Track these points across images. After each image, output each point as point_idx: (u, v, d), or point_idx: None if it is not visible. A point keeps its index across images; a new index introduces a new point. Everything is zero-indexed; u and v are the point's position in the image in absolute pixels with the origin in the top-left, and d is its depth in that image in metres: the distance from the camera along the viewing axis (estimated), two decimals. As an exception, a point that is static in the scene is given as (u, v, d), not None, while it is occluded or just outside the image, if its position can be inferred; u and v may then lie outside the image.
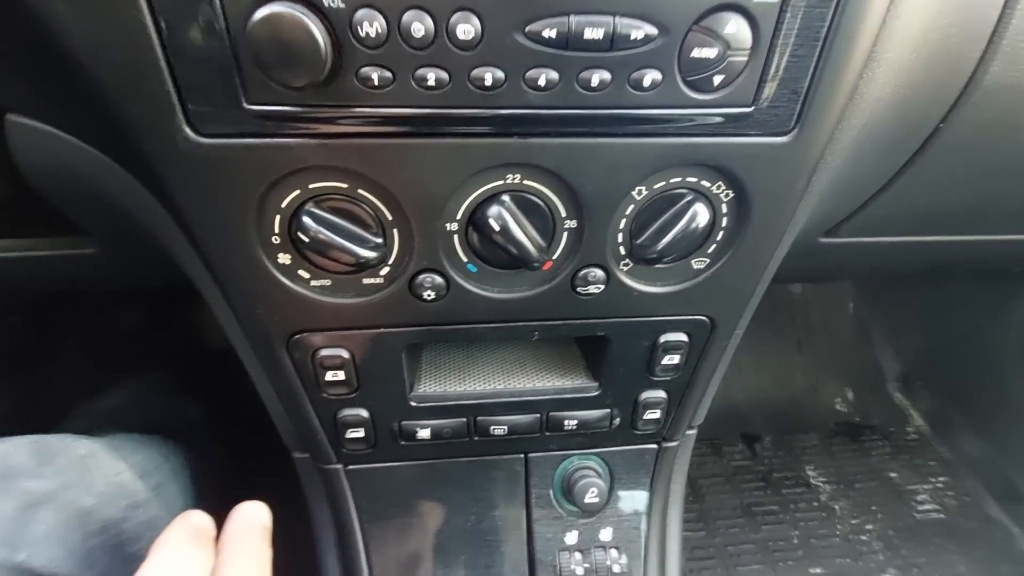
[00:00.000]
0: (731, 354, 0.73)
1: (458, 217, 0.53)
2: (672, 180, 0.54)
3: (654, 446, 0.78)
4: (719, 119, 0.49)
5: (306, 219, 0.51)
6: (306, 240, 0.51)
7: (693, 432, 0.81)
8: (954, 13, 0.52)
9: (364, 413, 0.67)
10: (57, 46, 0.42)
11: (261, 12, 0.39)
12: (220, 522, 0.52)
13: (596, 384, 0.70)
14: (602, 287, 0.59)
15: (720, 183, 0.55)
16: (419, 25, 0.41)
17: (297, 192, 0.50)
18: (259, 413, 0.71)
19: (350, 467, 0.74)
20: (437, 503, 0.75)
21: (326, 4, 0.40)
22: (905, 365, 1.98)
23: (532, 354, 0.74)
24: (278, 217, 0.52)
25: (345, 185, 0.50)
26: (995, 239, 0.94)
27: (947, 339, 1.84)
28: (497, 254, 0.55)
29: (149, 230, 0.57)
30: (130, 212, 0.56)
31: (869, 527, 1.54)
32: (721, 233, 0.58)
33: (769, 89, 0.48)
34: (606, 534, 0.77)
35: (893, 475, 1.69)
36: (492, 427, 0.70)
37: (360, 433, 0.68)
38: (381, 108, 0.45)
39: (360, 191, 0.51)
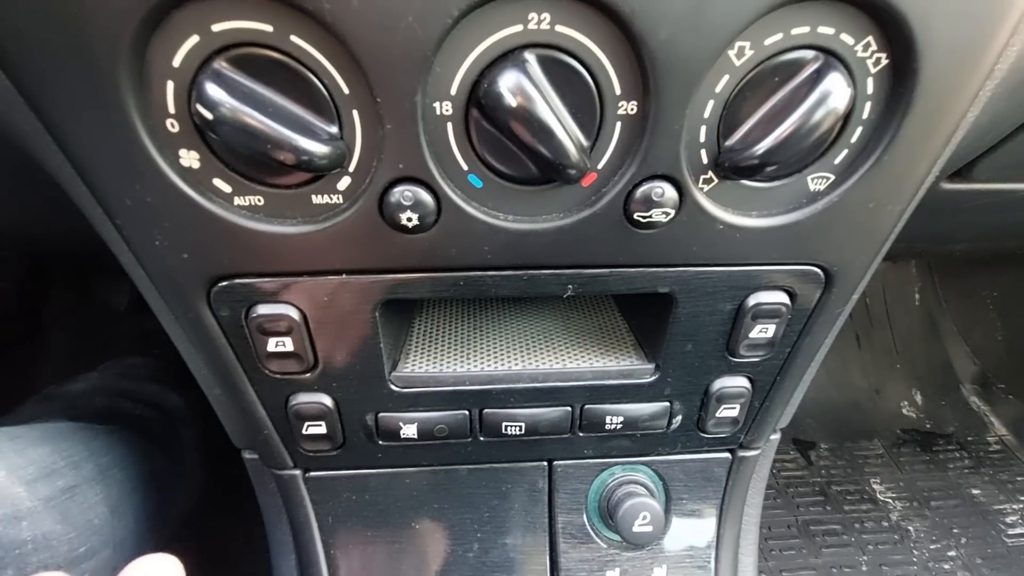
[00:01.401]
0: (840, 326, 0.52)
1: (453, 91, 0.34)
2: (794, 32, 0.34)
3: (727, 455, 0.57)
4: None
5: (211, 88, 0.32)
6: (214, 121, 0.32)
7: (777, 437, 0.59)
8: None
9: (326, 400, 0.48)
10: None
11: None
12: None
13: (652, 366, 0.50)
14: (671, 214, 0.39)
15: (870, 39, 0.34)
16: None
17: (195, 39, 0.32)
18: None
19: (311, 474, 0.54)
20: (428, 527, 0.55)
21: None
22: (982, 365, 1.75)
23: (562, 322, 0.54)
24: (171, 85, 0.33)
25: (269, 27, 0.31)
26: None
27: (1035, 336, 1.60)
28: (514, 156, 0.36)
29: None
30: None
31: (951, 553, 1.32)
32: (859, 130, 0.38)
33: None
34: (660, 575, 0.56)
35: (976, 492, 1.46)
36: (504, 423, 0.50)
37: (321, 428, 0.49)
38: None
39: (294, 39, 0.32)
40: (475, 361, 0.50)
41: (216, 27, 0.31)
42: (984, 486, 1.47)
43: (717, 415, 0.52)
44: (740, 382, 0.50)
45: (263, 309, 0.42)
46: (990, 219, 0.81)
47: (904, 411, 1.68)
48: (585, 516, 0.57)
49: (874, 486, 1.46)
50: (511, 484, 0.55)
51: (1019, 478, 1.50)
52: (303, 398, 0.48)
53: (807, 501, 1.41)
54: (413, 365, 0.50)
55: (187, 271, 0.40)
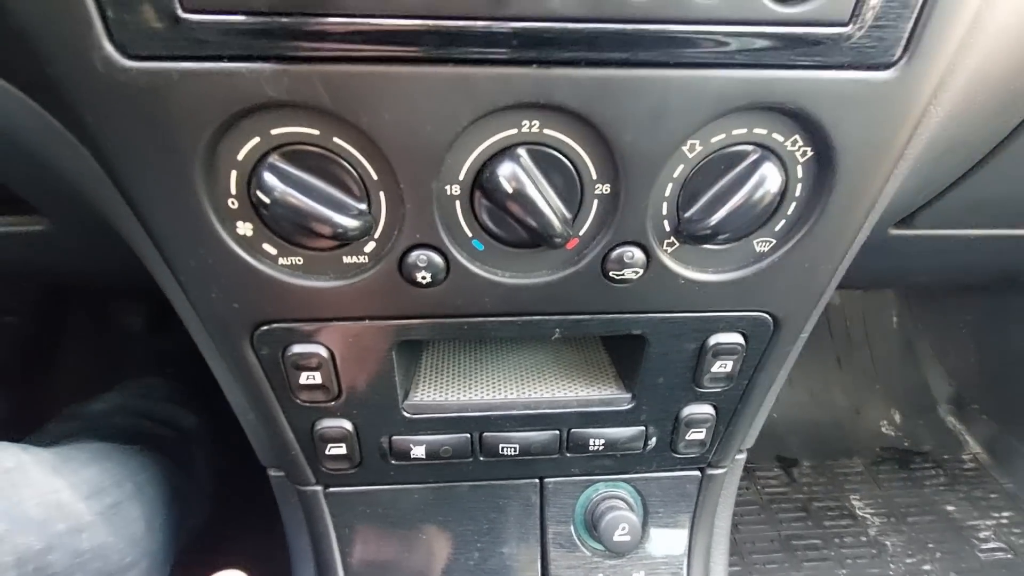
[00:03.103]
0: (792, 362, 0.60)
1: (460, 177, 0.42)
2: (735, 132, 0.42)
3: (697, 473, 0.65)
4: (805, 43, 0.37)
5: (268, 176, 0.40)
6: (269, 204, 0.41)
7: (743, 456, 0.67)
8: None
9: (347, 425, 0.56)
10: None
11: None
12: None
13: (629, 395, 0.58)
14: (640, 272, 0.47)
15: (796, 137, 0.43)
16: None
17: (256, 140, 0.40)
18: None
19: (331, 489, 0.62)
20: (434, 537, 0.63)
21: None
22: (957, 385, 1.83)
23: (552, 357, 0.62)
24: (234, 173, 0.41)
25: (316, 132, 0.40)
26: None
27: (1004, 357, 1.68)
28: (510, 227, 0.44)
29: (86, 194, 0.46)
30: (63, 171, 0.45)
31: (927, 567, 1.38)
32: (793, 205, 0.46)
33: (873, 1, 0.36)
34: (638, 580, 0.63)
35: (950, 508, 1.52)
36: (501, 445, 0.57)
37: (342, 449, 0.57)
38: (356, 18, 0.34)
39: (336, 140, 0.40)
40: (476, 391, 0.58)
41: (274, 131, 0.40)
42: (959, 502, 1.54)
43: (687, 438, 0.60)
44: (706, 409, 0.58)
45: (297, 348, 0.50)
46: (940, 259, 0.90)
47: (883, 430, 1.75)
48: (572, 527, 0.64)
49: (854, 502, 1.53)
50: (507, 499, 0.63)
51: (992, 495, 1.57)
52: (327, 423, 0.56)
53: (789, 517, 1.47)
54: (422, 394, 0.58)
55: (236, 318, 0.48)
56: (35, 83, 0.39)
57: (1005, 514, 1.51)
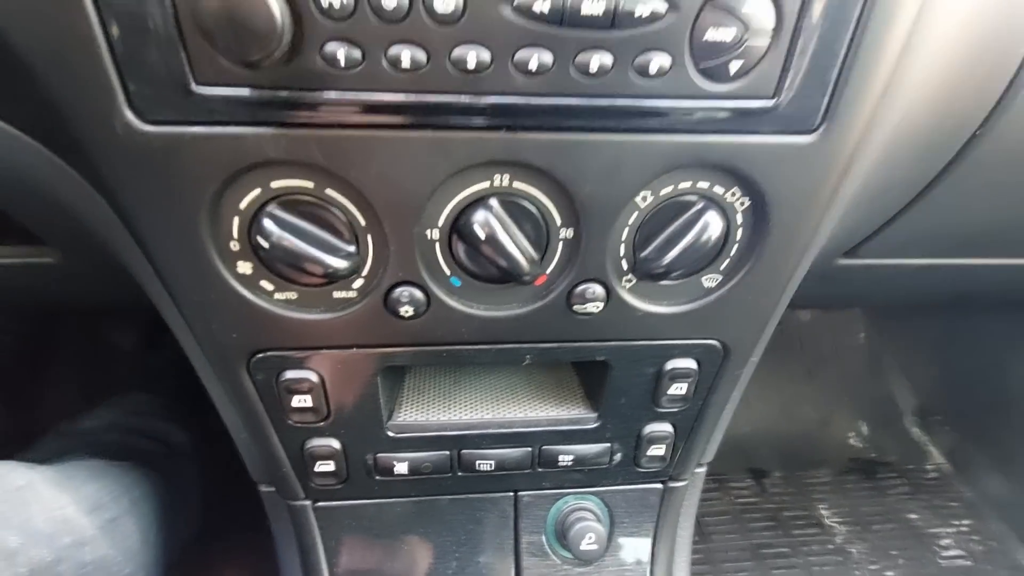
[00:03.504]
0: (745, 384, 0.65)
1: (440, 223, 0.47)
2: (681, 185, 0.48)
3: (659, 486, 0.70)
4: (736, 114, 0.43)
5: (267, 223, 0.45)
6: (267, 247, 0.45)
7: (702, 470, 0.73)
8: (998, 9, 0.46)
9: (335, 444, 0.60)
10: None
11: (207, -24, 0.33)
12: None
13: (595, 415, 0.63)
14: (601, 306, 0.53)
15: (735, 189, 0.49)
16: (391, -4, 0.35)
17: (257, 191, 0.45)
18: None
19: (319, 504, 0.66)
20: (415, 547, 0.67)
21: (283, -32, 0.34)
22: (921, 398, 1.90)
23: (525, 379, 0.67)
24: (236, 220, 0.46)
25: (311, 184, 0.45)
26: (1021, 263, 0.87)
27: (966, 371, 1.76)
28: (484, 266, 0.49)
29: (99, 235, 0.51)
30: (77, 213, 0.50)
31: (889, 574, 1.44)
32: (735, 247, 0.52)
33: (793, 78, 0.42)
34: (605, 586, 0.68)
35: (913, 516, 1.59)
36: (478, 461, 0.62)
37: (330, 466, 0.61)
38: (349, 93, 0.39)
39: (328, 191, 0.45)
40: (454, 411, 0.63)
41: (273, 184, 0.44)
42: (921, 511, 1.60)
43: (648, 453, 0.65)
44: (665, 427, 0.64)
45: (290, 374, 0.55)
46: (890, 285, 0.97)
47: (851, 441, 1.82)
48: (544, 537, 0.69)
49: (821, 511, 1.59)
50: (484, 511, 0.68)
51: (953, 503, 1.64)
52: (317, 442, 0.60)
53: (759, 526, 1.53)
54: (405, 415, 0.62)
55: (234, 346, 0.53)
56: (61, 142, 0.43)
57: (965, 522, 1.58)
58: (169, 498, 0.90)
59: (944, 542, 1.52)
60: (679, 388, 0.60)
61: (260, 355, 0.53)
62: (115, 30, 0.36)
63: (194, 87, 0.38)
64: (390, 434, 0.61)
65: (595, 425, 0.63)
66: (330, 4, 0.35)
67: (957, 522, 1.57)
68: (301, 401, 0.56)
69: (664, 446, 0.65)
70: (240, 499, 0.95)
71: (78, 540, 0.57)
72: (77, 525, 0.58)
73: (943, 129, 0.54)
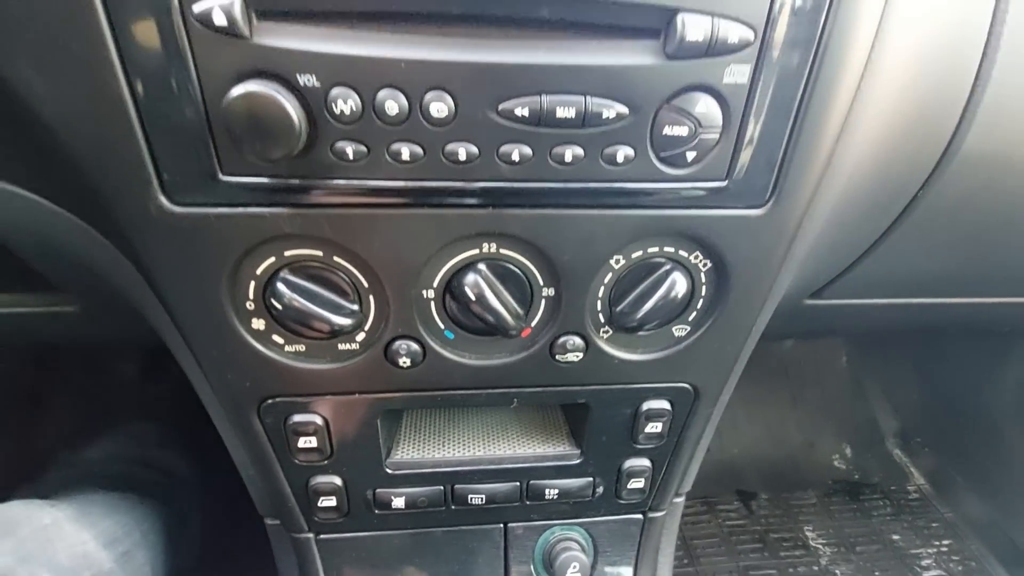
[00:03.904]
0: (717, 421, 0.71)
1: (435, 284, 0.53)
2: (650, 249, 0.54)
3: (639, 516, 0.75)
4: (693, 193, 0.49)
5: (280, 286, 0.50)
6: (280, 308, 0.51)
7: (681, 500, 0.78)
8: (928, 83, 0.53)
9: (337, 481, 0.65)
10: (32, 115, 0.42)
11: (237, 90, 0.39)
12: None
13: (578, 452, 0.68)
14: (581, 355, 0.58)
15: (697, 253, 0.55)
16: (393, 103, 0.41)
17: (272, 259, 0.50)
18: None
19: (322, 536, 0.71)
20: (412, 576, 0.72)
21: (301, 83, 0.40)
22: (902, 421, 1.95)
23: (514, 417, 0.72)
24: (252, 284, 0.51)
25: (320, 253, 0.50)
26: (981, 302, 0.93)
27: (943, 395, 1.82)
28: (474, 321, 0.54)
29: (124, 292, 0.56)
30: (106, 274, 0.55)
31: (872, 594, 1.48)
32: (701, 301, 0.58)
33: (742, 163, 0.48)
34: (589, 612, 0.73)
35: (895, 537, 1.63)
36: (470, 496, 0.67)
37: (332, 502, 0.66)
38: (356, 180, 0.45)
39: (335, 259, 0.51)
40: (448, 449, 0.68)
41: (287, 253, 0.50)
42: (903, 532, 1.65)
43: (628, 486, 0.70)
44: (643, 462, 0.69)
45: (297, 418, 0.60)
46: (859, 320, 1.03)
47: (835, 463, 1.87)
48: (532, 567, 0.74)
49: (807, 533, 1.63)
50: (475, 542, 0.72)
51: (934, 524, 1.69)
52: (320, 479, 0.65)
53: (747, 548, 1.57)
54: (402, 453, 0.67)
55: (247, 393, 0.58)
56: (99, 219, 0.49)
57: (945, 542, 1.62)
58: (174, 528, 0.94)
59: (925, 562, 1.56)
60: (655, 427, 0.66)
61: (270, 401, 0.59)
62: (154, 131, 0.42)
63: (220, 176, 0.44)
64: (388, 471, 0.65)
65: (578, 461, 0.68)
66: (341, 111, 0.41)
67: (937, 542, 1.62)
68: (307, 442, 0.61)
69: (643, 479, 0.70)
70: (240, 528, 0.99)
71: (96, 573, 0.61)
72: (96, 559, 0.62)
73: (885, 192, 0.60)
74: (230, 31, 0.38)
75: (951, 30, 0.50)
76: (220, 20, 0.37)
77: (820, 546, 1.60)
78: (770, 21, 0.42)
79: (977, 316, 1.01)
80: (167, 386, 1.60)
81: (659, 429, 0.66)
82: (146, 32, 0.38)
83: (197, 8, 0.37)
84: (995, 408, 1.64)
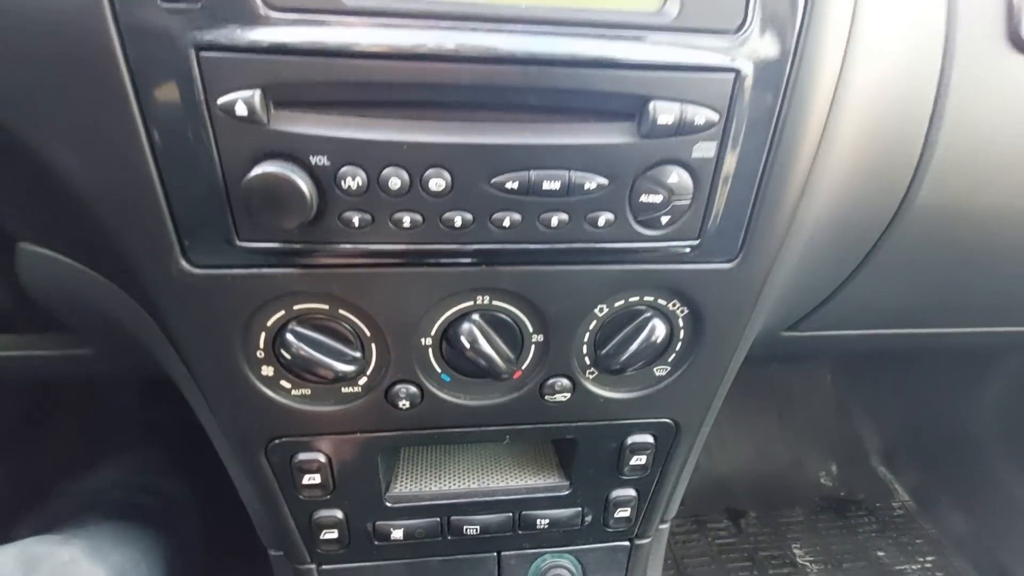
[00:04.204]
0: (698, 453, 0.75)
1: (432, 333, 0.57)
2: (631, 299, 0.58)
3: (626, 543, 0.79)
4: (669, 251, 0.54)
5: (289, 337, 0.54)
6: (289, 356, 0.55)
7: (666, 527, 0.82)
8: (881, 146, 0.58)
9: (339, 514, 0.68)
10: (68, 190, 0.47)
11: (256, 171, 0.44)
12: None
13: (567, 483, 0.72)
14: (569, 395, 0.62)
15: (675, 301, 0.59)
16: (396, 179, 0.46)
17: (281, 312, 0.54)
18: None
19: (324, 567, 0.74)
20: (409, 605, 0.75)
21: (313, 162, 0.45)
22: (886, 438, 1.99)
23: (507, 452, 0.76)
24: (263, 335, 0.55)
25: (326, 306, 0.54)
26: (953, 332, 0.98)
27: (925, 413, 1.87)
28: (469, 366, 0.58)
29: (141, 341, 0.60)
30: (125, 325, 0.59)
31: (858, 611, 1.51)
32: (679, 344, 0.62)
33: (712, 225, 0.53)
34: (580, 636, 0.76)
35: (881, 554, 1.67)
36: (465, 527, 0.71)
37: (334, 534, 0.69)
38: (360, 244, 0.49)
39: (341, 311, 0.55)
40: (444, 482, 0.72)
41: (296, 307, 0.54)
42: (888, 548, 1.68)
43: (615, 516, 0.74)
44: (629, 492, 0.73)
45: (302, 456, 0.63)
46: (837, 348, 1.08)
47: (822, 480, 1.91)
48: (525, 593, 0.77)
49: (795, 550, 1.66)
50: (471, 571, 0.76)
51: (918, 540, 1.72)
52: (323, 513, 0.68)
53: (737, 566, 1.60)
54: (401, 486, 0.71)
55: (255, 434, 0.62)
56: (123, 278, 0.53)
57: (929, 558, 1.66)
58: (178, 558, 0.97)
59: (909, 580, 1.60)
60: (639, 459, 0.70)
61: (277, 441, 0.62)
62: (178, 204, 0.46)
63: (237, 242, 0.48)
64: (387, 504, 0.69)
65: (567, 492, 0.72)
66: (349, 187, 0.46)
67: (922, 559, 1.65)
68: (311, 479, 0.65)
69: (629, 508, 0.74)
70: (241, 556, 1.01)
71: (109, 606, 0.64)
72: None
73: (847, 241, 0.65)
74: (250, 119, 0.42)
75: (901, 99, 0.55)
76: (242, 111, 0.42)
77: (808, 563, 1.63)
78: (732, 105, 0.47)
79: (952, 343, 1.06)
80: (167, 411, 1.62)
81: (643, 461, 0.70)
82: (174, 120, 0.43)
83: (221, 100, 0.42)
84: (975, 426, 1.69)
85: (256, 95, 0.42)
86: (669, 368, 0.64)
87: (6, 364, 0.75)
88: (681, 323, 0.61)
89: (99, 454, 1.29)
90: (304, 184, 0.44)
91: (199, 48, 0.40)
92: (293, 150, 0.44)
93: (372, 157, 0.45)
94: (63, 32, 0.40)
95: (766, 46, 0.45)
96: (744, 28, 0.45)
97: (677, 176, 0.49)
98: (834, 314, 0.82)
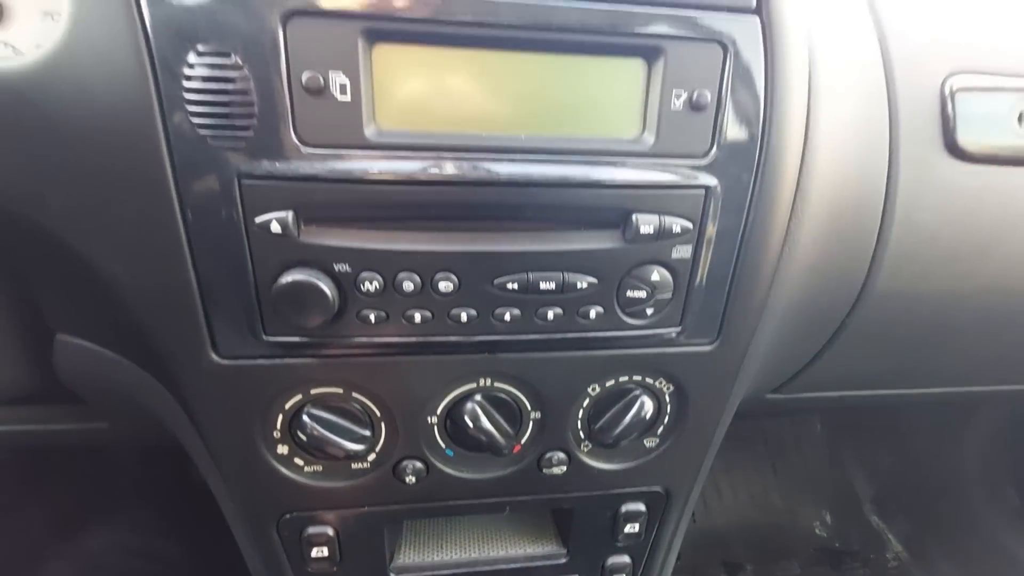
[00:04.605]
0: (688, 517, 0.79)
1: (438, 412, 0.62)
2: (621, 379, 0.64)
3: (623, 608, 0.81)
4: (654, 337, 0.59)
5: (305, 418, 0.59)
6: (304, 437, 0.59)
7: (660, 590, 0.84)
8: (839, 243, 0.64)
9: (345, 585, 0.71)
10: (112, 293, 0.52)
11: (286, 278, 0.49)
12: None
13: (565, 551, 0.75)
14: (565, 467, 0.67)
15: (661, 379, 0.64)
16: (409, 282, 0.51)
17: (299, 396, 0.59)
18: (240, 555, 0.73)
19: (328, 637, 0.76)
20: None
21: (336, 269, 0.50)
22: (878, 487, 2.01)
23: (507, 521, 0.79)
24: (280, 417, 0.60)
25: (341, 390, 0.59)
26: (930, 392, 1.04)
27: (913, 461, 1.90)
28: (472, 442, 0.63)
29: (163, 422, 0.64)
30: (149, 407, 0.63)
31: (856, 668, 1.50)
32: (667, 418, 0.67)
33: (692, 314, 0.59)
34: None
35: (875, 609, 1.67)
36: (467, 595, 0.74)
37: (340, 604, 0.71)
38: (376, 338, 0.54)
39: (354, 394, 0.60)
40: (446, 552, 0.75)
41: (313, 391, 0.59)
42: (883, 601, 1.69)
43: (612, 582, 0.77)
44: (624, 559, 0.76)
45: (312, 530, 0.66)
46: (816, 406, 1.13)
47: (816, 531, 1.92)
48: (525, 661, 0.79)
49: (792, 606, 1.67)
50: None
51: (912, 592, 1.74)
52: (329, 584, 0.71)
53: (735, 622, 1.60)
54: (404, 557, 0.74)
55: (268, 509, 0.65)
56: (153, 367, 0.58)
57: (924, 611, 1.66)
58: None
59: (905, 631, 1.59)
60: (633, 527, 0.73)
61: (288, 515, 0.66)
62: (212, 306, 0.52)
63: (265, 337, 0.53)
64: (392, 575, 0.72)
65: (565, 560, 0.75)
66: (367, 289, 0.51)
67: (917, 612, 1.66)
68: (319, 552, 0.67)
69: (625, 574, 0.77)
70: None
71: None
72: None
73: (816, 322, 0.72)
74: (283, 235, 0.48)
75: (854, 203, 0.62)
76: (276, 228, 0.48)
77: (805, 618, 1.63)
78: (704, 215, 0.53)
79: (929, 399, 1.11)
80: (163, 471, 1.62)
81: (637, 529, 0.74)
82: (215, 235, 0.48)
83: (258, 219, 0.48)
84: (959, 473, 1.73)
85: (289, 215, 0.48)
86: (658, 440, 0.69)
87: (20, 435, 0.78)
88: (668, 398, 0.66)
89: (94, 514, 1.29)
90: (327, 288, 0.50)
91: (241, 176, 0.46)
92: (319, 260, 0.50)
93: (388, 264, 0.51)
94: (121, 159, 0.46)
95: (731, 166, 0.52)
96: (711, 152, 0.52)
97: (659, 274, 0.55)
98: (812, 379, 0.87)
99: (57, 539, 1.18)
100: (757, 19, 0.49)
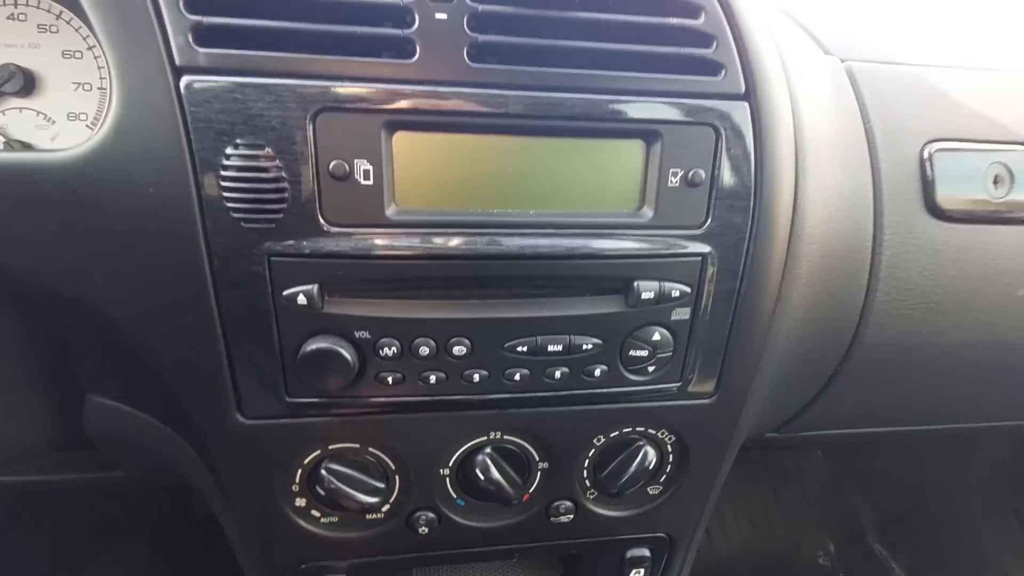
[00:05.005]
0: (693, 558, 0.81)
1: (450, 464, 0.65)
2: (625, 431, 0.66)
3: (630, 651, 0.83)
4: (656, 392, 0.62)
5: (323, 472, 0.62)
6: (322, 491, 0.62)
7: (666, 631, 0.86)
8: (828, 300, 0.68)
9: (357, 637, 0.73)
10: (145, 359, 0.55)
11: (310, 346, 0.52)
12: None
13: (572, 597, 0.78)
14: (572, 515, 0.69)
15: (663, 430, 0.67)
16: (425, 347, 0.55)
17: (318, 452, 0.62)
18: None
19: None
20: None
21: (357, 336, 0.54)
22: (881, 515, 2.01)
23: (517, 565, 0.81)
24: (300, 471, 0.62)
25: (358, 446, 0.62)
26: (926, 429, 1.06)
27: (916, 489, 1.90)
28: (482, 492, 0.65)
29: (186, 477, 0.66)
30: (172, 462, 0.66)
31: None
32: (669, 467, 0.70)
33: (691, 371, 0.62)
34: None
35: (882, 640, 1.66)
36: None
37: (352, 655, 0.73)
38: (392, 398, 0.58)
39: (370, 449, 0.62)
40: (457, 598, 0.77)
41: (331, 447, 0.62)
42: (889, 633, 1.69)
43: (619, 626, 0.79)
44: (630, 603, 0.78)
45: (327, 579, 0.69)
46: (817, 441, 1.15)
47: (820, 561, 1.91)
48: None
49: (798, 641, 1.66)
50: None
51: (918, 624, 1.73)
52: (342, 632, 0.73)
53: (741, 657, 1.59)
54: (417, 605, 0.76)
55: (286, 560, 0.67)
56: (181, 427, 0.60)
57: (930, 643, 1.66)
58: None
59: (912, 665, 1.59)
60: (638, 572, 0.75)
61: (305, 565, 0.68)
62: (240, 372, 0.55)
63: (288, 399, 0.56)
64: (405, 625, 0.74)
65: (573, 605, 0.77)
66: (385, 354, 0.54)
67: (923, 644, 1.65)
68: (334, 600, 0.70)
69: (631, 618, 0.79)
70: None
71: None
72: None
73: (809, 373, 0.75)
74: (308, 307, 0.52)
75: (842, 263, 0.66)
76: (302, 301, 0.51)
77: (811, 652, 1.62)
78: (700, 281, 0.57)
79: (928, 435, 1.14)
80: (161, 498, 1.62)
81: (642, 573, 0.76)
82: (244, 307, 0.52)
83: (286, 293, 0.51)
84: (960, 500, 1.74)
85: (315, 288, 0.51)
86: (661, 487, 0.71)
87: (36, 483, 0.80)
88: (670, 448, 0.69)
89: (89, 552, 1.28)
90: (348, 355, 0.53)
91: (271, 255, 0.50)
92: (341, 328, 0.53)
93: (406, 330, 0.54)
94: (160, 243, 0.50)
95: (725, 235, 0.56)
96: (706, 223, 0.56)
97: (659, 335, 0.59)
98: (810, 420, 0.90)
99: (55, 570, 1.18)
100: (746, 104, 0.54)
